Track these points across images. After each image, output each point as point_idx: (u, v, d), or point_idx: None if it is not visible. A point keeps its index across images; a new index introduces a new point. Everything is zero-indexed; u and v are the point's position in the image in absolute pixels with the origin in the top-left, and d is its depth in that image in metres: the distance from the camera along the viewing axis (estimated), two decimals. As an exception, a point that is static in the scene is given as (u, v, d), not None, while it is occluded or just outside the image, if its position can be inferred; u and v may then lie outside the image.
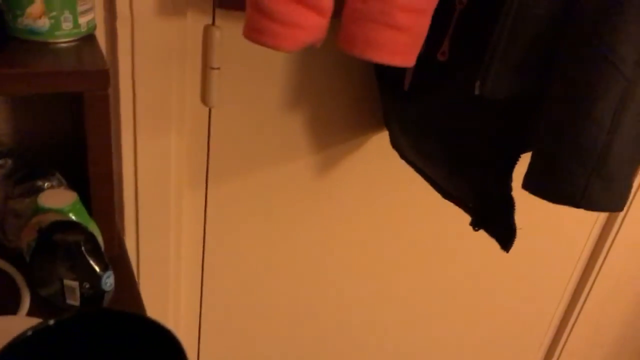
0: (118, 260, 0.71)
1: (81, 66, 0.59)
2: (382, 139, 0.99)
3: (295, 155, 0.95)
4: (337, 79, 0.90)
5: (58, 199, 0.66)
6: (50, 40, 0.60)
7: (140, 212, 0.86)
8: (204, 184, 0.92)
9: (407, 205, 1.09)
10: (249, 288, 1.06)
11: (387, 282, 1.19)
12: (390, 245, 1.13)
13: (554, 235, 1.30)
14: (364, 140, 0.99)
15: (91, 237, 0.61)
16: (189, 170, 0.90)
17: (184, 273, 0.98)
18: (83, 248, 0.59)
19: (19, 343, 0.37)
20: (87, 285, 0.60)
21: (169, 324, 1.00)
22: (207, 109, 0.85)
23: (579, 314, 1.49)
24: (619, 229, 1.36)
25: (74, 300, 0.61)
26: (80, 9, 0.61)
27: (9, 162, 0.73)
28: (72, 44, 0.62)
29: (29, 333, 0.37)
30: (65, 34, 0.61)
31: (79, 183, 0.71)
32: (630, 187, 0.64)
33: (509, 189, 0.72)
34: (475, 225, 0.79)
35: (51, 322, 0.38)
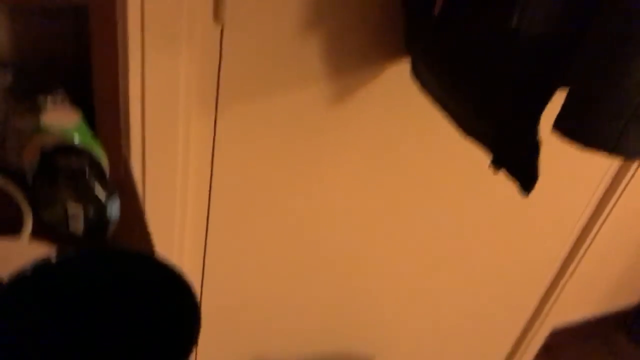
0: (124, 186, 0.68)
1: (85, -25, 0.54)
2: (402, 69, 0.93)
3: (310, 82, 0.90)
4: (359, 2, 0.84)
5: (62, 118, 0.62)
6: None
7: (146, 135, 0.82)
8: (214, 108, 0.88)
9: (424, 142, 1.05)
10: (257, 222, 1.04)
11: (402, 221, 1.17)
12: (405, 182, 1.10)
13: (567, 179, 1.27)
14: (383, 70, 0.94)
15: (96, 163, 0.58)
16: (199, 92, 0.85)
17: (190, 202, 0.95)
18: (87, 174, 0.56)
19: (18, 281, 0.34)
20: (92, 212, 0.57)
21: (173, 253, 0.99)
22: (219, 29, 0.80)
23: (583, 254, 1.48)
24: (633, 174, 1.33)
25: (77, 227, 0.58)
26: None
27: (9, 76, 0.69)
28: (76, -51, 0.57)
29: (28, 272, 0.35)
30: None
31: (83, 104, 0.67)
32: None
33: (537, 130, 0.68)
34: (496, 165, 0.75)
35: (52, 258, 0.36)
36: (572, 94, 0.61)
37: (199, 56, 0.81)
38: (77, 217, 0.57)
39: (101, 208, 0.57)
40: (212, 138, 0.90)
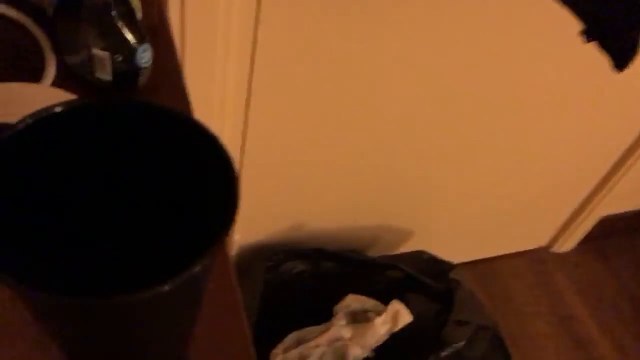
0: (157, 33, 0.60)
1: None
2: None
3: None
4: None
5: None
6: None
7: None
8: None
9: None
10: (303, 79, 0.95)
11: (461, 86, 1.07)
12: (470, 45, 0.99)
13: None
14: None
15: (124, 1, 0.50)
16: None
17: (232, 58, 0.87)
18: (114, 12, 0.49)
19: (46, 117, 0.28)
20: (120, 58, 0.50)
21: (213, 116, 0.93)
22: None
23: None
24: None
25: (104, 74, 0.52)
26: None
27: None
28: None
29: (58, 109, 0.29)
30: None
31: None
32: None
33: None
34: (589, 36, 0.64)
35: (82, 102, 0.29)
36: None
37: None
38: (103, 62, 0.50)
39: (130, 53, 0.50)
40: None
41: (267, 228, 1.28)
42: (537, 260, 1.67)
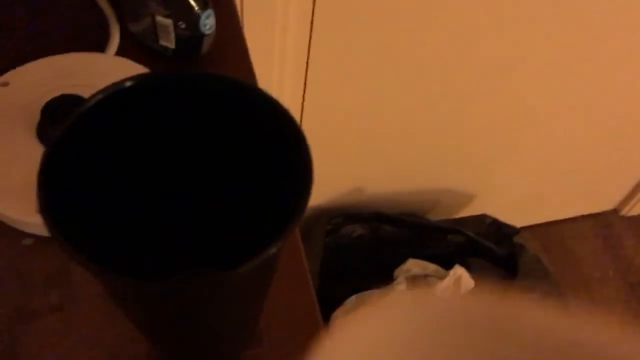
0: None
1: None
2: None
3: None
4: None
5: None
6: None
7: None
8: None
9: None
10: (363, 40, 0.93)
11: (534, 40, 1.02)
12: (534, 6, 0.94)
13: None
14: None
15: (186, -36, 0.48)
16: None
17: (291, 23, 0.85)
18: (176, -23, 0.47)
19: (116, 92, 0.27)
20: (183, 25, 0.49)
21: (272, 79, 0.91)
22: None
23: None
24: None
25: (167, 42, 0.51)
26: None
27: None
28: None
29: (128, 84, 0.28)
30: None
31: None
32: None
33: None
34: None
35: (151, 75, 0.28)
36: None
37: None
38: (166, 29, 0.49)
39: (193, 20, 0.49)
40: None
41: (327, 192, 1.27)
42: (604, 224, 1.60)
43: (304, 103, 1.01)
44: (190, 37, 0.50)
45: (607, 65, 1.10)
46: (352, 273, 1.25)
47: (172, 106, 0.30)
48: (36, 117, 0.45)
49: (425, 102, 1.09)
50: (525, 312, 0.15)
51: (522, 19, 0.95)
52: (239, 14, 0.79)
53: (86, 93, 0.45)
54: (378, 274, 1.18)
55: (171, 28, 0.49)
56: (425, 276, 1.14)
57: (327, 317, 1.12)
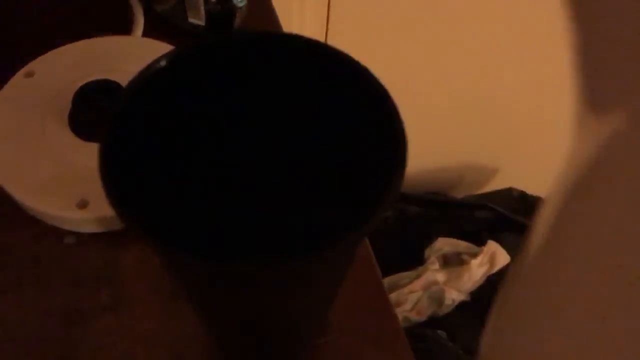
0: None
1: None
2: None
3: None
4: None
5: None
6: None
7: None
8: None
9: None
10: (380, 25, 0.89)
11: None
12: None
13: None
14: None
15: None
16: None
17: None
18: (205, -54, 0.44)
19: (150, 75, 0.24)
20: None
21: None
22: None
23: None
24: None
25: (197, 18, 0.47)
26: None
27: None
28: None
29: (163, 63, 0.24)
30: None
31: None
32: None
33: None
34: None
35: (187, 48, 0.25)
36: None
37: None
38: (196, 5, 0.46)
39: (225, -8, 0.45)
40: None
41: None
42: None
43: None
44: (222, 11, 0.47)
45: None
46: (380, 256, 1.21)
47: (238, 73, 0.27)
48: (67, 106, 0.42)
49: (443, 76, 1.06)
50: None
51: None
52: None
53: (117, 78, 0.42)
54: (407, 256, 1.15)
55: (201, 2, 0.46)
56: (458, 254, 1.11)
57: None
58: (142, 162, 0.26)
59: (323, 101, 0.27)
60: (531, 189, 1.25)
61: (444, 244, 1.13)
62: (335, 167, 0.28)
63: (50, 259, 0.39)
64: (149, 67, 0.25)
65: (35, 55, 0.46)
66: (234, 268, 0.21)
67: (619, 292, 0.13)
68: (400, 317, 1.02)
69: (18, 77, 0.45)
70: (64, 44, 0.47)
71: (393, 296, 1.07)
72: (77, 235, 0.40)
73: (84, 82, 0.42)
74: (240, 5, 0.47)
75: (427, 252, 1.13)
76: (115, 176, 0.22)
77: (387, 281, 1.11)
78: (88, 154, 0.41)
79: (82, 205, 0.39)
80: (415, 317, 1.05)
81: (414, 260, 1.15)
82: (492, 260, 1.05)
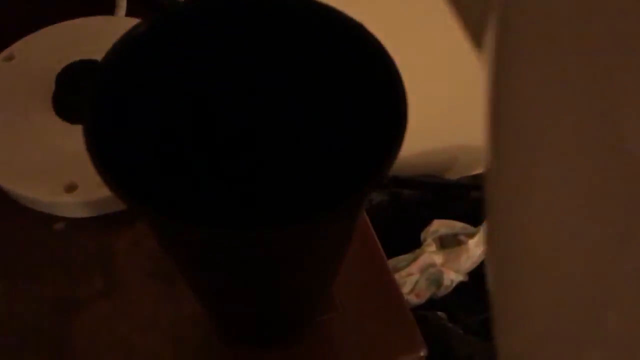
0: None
1: None
2: None
3: None
4: None
5: None
6: None
7: None
8: None
9: None
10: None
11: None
12: None
13: None
14: None
15: None
16: None
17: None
18: None
19: (132, 39, 0.23)
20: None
21: None
22: None
23: None
24: None
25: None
26: None
27: None
28: None
29: (141, 28, 0.23)
30: None
31: None
32: None
33: None
34: None
35: (170, 10, 0.24)
36: None
37: None
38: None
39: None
40: None
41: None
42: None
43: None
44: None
45: None
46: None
47: (226, 37, 0.25)
48: (50, 89, 0.41)
49: (434, 57, 1.05)
50: None
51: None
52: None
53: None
54: (403, 240, 1.14)
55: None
56: (454, 235, 1.11)
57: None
58: (133, 135, 0.25)
59: (319, 63, 0.26)
60: (525, 168, 1.24)
61: (440, 226, 1.12)
62: (334, 133, 0.27)
63: (40, 247, 0.38)
64: (130, 32, 0.23)
65: (15, 39, 0.44)
66: (241, 235, 0.19)
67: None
68: (399, 300, 1.01)
69: (-2, 62, 0.43)
70: (44, 26, 0.45)
71: (391, 280, 1.06)
72: (67, 221, 0.39)
73: (67, 64, 0.41)
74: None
75: (423, 234, 1.13)
76: (104, 147, 0.21)
77: (384, 265, 1.10)
78: (74, 136, 0.39)
79: (71, 189, 0.37)
80: (414, 300, 1.04)
81: (411, 243, 1.14)
82: (489, 239, 1.05)
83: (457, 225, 1.12)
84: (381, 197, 1.23)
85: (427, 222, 1.15)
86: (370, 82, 0.24)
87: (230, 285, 0.26)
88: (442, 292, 1.05)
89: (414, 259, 1.08)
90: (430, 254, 1.07)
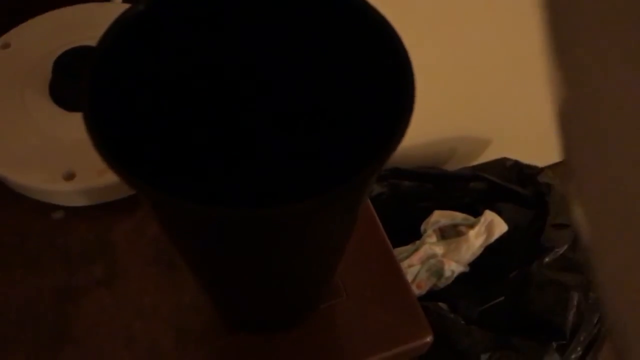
0: None
1: None
2: None
3: None
4: None
5: None
6: None
7: None
8: None
9: None
10: None
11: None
12: None
13: None
14: None
15: None
16: None
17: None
18: None
19: (126, 22, 0.22)
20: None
21: None
22: None
23: None
24: None
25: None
26: None
27: None
28: None
29: (141, 7, 0.23)
30: None
31: None
32: None
33: None
34: None
35: None
36: None
37: None
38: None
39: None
40: None
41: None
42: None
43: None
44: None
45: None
46: (376, 233, 1.20)
47: (229, 16, 0.25)
48: (47, 76, 0.40)
49: (433, 48, 1.04)
50: None
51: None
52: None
53: (99, 44, 0.40)
54: (404, 231, 1.14)
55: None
56: (455, 226, 1.10)
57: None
58: (132, 117, 0.24)
59: (326, 43, 0.25)
60: (524, 158, 1.24)
61: (440, 217, 1.12)
62: (341, 113, 0.27)
63: (39, 236, 0.37)
64: (126, 12, 0.23)
65: (10, 26, 0.44)
66: (246, 212, 0.19)
67: None
68: (400, 291, 1.01)
69: (-7, 50, 0.42)
70: (40, 13, 0.45)
71: (392, 271, 1.06)
72: (66, 209, 0.38)
73: (64, 51, 0.40)
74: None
75: (423, 225, 1.12)
76: (104, 128, 0.21)
77: (384, 257, 1.09)
78: (72, 124, 0.39)
79: (69, 177, 0.37)
80: (415, 291, 1.04)
81: (411, 234, 1.13)
82: (489, 229, 1.04)
83: (458, 216, 1.12)
84: (381, 188, 1.23)
85: (427, 213, 1.15)
86: (377, 60, 0.24)
87: (234, 270, 0.25)
88: (443, 282, 1.05)
89: (415, 250, 1.08)
90: (431, 245, 1.07)
